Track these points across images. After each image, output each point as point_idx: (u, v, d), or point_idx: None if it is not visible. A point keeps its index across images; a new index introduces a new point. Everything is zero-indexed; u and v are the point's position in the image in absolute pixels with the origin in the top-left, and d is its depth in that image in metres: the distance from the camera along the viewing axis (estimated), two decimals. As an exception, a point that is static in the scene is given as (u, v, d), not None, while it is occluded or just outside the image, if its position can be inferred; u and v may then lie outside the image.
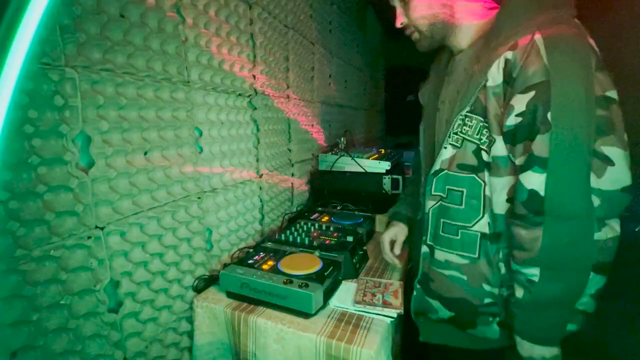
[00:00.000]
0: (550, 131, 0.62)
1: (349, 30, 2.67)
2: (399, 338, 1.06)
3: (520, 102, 0.65)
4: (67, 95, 0.68)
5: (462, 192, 0.77)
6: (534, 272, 0.67)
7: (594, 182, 0.63)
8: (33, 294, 0.65)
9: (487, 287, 0.77)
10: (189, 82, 0.99)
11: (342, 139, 2.01)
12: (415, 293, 0.90)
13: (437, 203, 0.82)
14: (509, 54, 0.66)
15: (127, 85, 0.81)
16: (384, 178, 1.67)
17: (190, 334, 1.04)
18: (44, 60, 0.63)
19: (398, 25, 0.85)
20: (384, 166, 1.70)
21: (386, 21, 3.84)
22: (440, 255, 0.82)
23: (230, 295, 1.00)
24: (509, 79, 0.67)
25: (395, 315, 0.92)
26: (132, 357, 0.87)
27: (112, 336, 0.80)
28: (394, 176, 1.66)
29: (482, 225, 0.76)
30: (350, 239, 1.21)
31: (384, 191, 1.68)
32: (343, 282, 1.08)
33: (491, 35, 0.73)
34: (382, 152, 1.98)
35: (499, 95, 0.69)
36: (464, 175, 0.77)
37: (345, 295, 1.01)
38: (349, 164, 1.78)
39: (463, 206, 0.77)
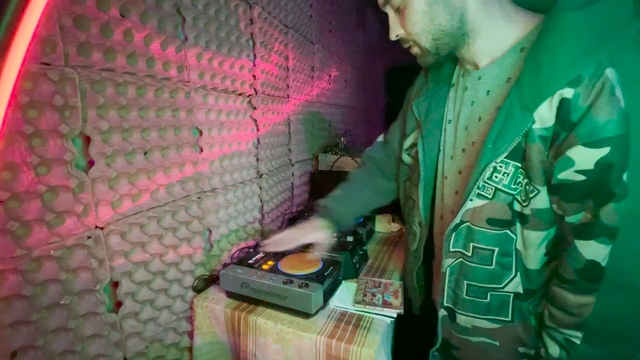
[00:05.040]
0: (627, 196, 0.52)
1: (349, 30, 2.67)
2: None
3: (585, 158, 0.52)
4: (67, 95, 0.68)
5: (493, 251, 0.65)
6: (576, 334, 0.59)
7: None
8: (33, 294, 0.64)
9: (522, 349, 0.68)
10: (189, 82, 0.99)
11: (342, 139, 2.01)
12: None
13: (456, 261, 0.70)
14: (567, 92, 0.51)
15: (127, 86, 0.81)
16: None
17: (190, 334, 1.04)
18: (44, 60, 0.63)
19: (392, 37, 0.70)
20: (384, 166, 1.70)
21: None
22: (464, 320, 0.71)
23: (230, 295, 1.00)
24: (565, 122, 0.53)
25: (395, 315, 0.92)
26: (132, 357, 0.86)
27: (112, 336, 0.80)
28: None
29: (515, 285, 0.65)
30: (350, 239, 1.21)
31: (384, 191, 1.67)
32: (343, 282, 1.08)
33: (538, 60, 0.54)
34: (382, 152, 1.98)
35: (547, 139, 0.55)
36: (496, 231, 0.64)
37: (345, 295, 1.01)
38: (349, 164, 1.78)
39: (493, 266, 0.66)
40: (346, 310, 0.95)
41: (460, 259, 0.69)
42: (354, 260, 1.13)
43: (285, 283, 0.91)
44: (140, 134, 0.85)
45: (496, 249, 0.65)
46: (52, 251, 0.67)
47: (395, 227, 1.54)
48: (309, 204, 1.87)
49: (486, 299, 0.67)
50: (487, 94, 0.65)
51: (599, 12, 0.50)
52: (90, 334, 0.75)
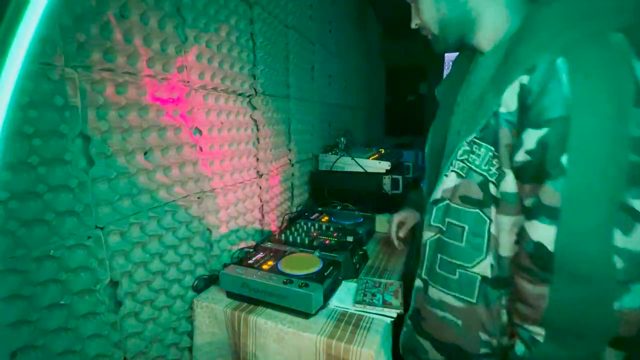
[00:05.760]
0: (565, 177, 0.52)
1: (349, 30, 2.67)
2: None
3: (530, 138, 0.56)
4: (67, 95, 0.68)
5: (464, 228, 0.68)
6: (538, 331, 0.58)
7: (620, 240, 0.51)
8: (33, 294, 0.65)
9: (484, 336, 0.69)
10: (189, 82, 0.99)
11: (342, 139, 2.01)
12: (405, 329, 0.85)
13: (435, 235, 0.75)
14: (524, 78, 0.56)
15: (127, 86, 0.81)
16: (384, 178, 1.67)
17: (190, 334, 1.05)
18: (44, 60, 0.63)
19: (413, 26, 0.77)
20: (384, 166, 1.70)
21: (386, 21, 3.84)
22: (434, 293, 0.75)
23: (230, 295, 1.00)
24: (523, 107, 0.57)
25: (395, 315, 0.92)
26: (132, 357, 0.87)
27: (112, 336, 0.80)
28: (394, 176, 1.66)
29: (484, 268, 0.67)
30: (350, 239, 1.21)
31: (384, 191, 1.68)
32: (343, 282, 1.08)
33: (510, 49, 0.61)
34: (382, 152, 1.98)
35: (513, 124, 0.59)
36: (468, 209, 0.68)
37: (345, 295, 1.01)
38: (349, 164, 1.78)
39: (463, 244, 0.69)
40: (346, 310, 0.95)
41: (439, 235, 0.74)
42: (354, 260, 1.13)
43: (285, 283, 0.91)
44: (140, 134, 0.86)
45: (466, 227, 0.68)
46: (52, 251, 0.67)
47: (395, 227, 1.54)
48: (308, 204, 1.87)
49: (455, 275, 0.70)
50: (482, 79, 0.70)
51: (565, 7, 0.56)
52: (90, 334, 0.75)
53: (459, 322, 0.71)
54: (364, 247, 1.30)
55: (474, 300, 0.69)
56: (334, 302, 0.98)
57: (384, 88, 4.49)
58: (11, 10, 0.36)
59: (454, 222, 0.70)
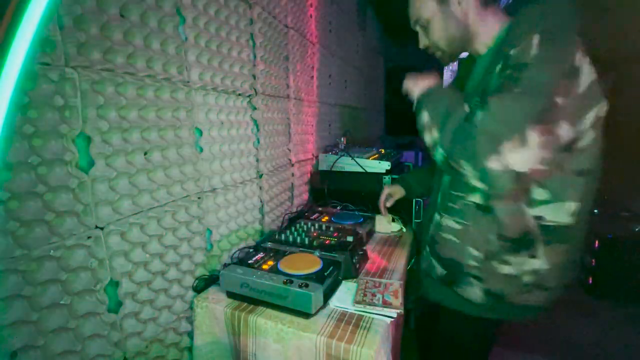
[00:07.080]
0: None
1: (349, 30, 2.67)
2: (400, 337, 1.06)
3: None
4: (67, 95, 0.68)
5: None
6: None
7: None
8: (33, 294, 0.65)
9: (473, 252, 0.87)
10: (189, 82, 0.99)
11: (342, 139, 2.01)
12: (424, 253, 1.04)
13: (448, 178, 0.95)
14: (512, 51, 0.77)
15: (127, 85, 0.81)
16: (384, 178, 1.67)
17: (190, 334, 1.05)
18: (44, 60, 0.63)
19: (421, 46, 1.00)
20: (384, 166, 1.70)
21: (386, 21, 3.84)
22: (444, 221, 0.94)
23: (230, 295, 1.00)
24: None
25: (395, 315, 0.92)
26: (132, 357, 0.87)
27: (112, 336, 0.80)
28: (394, 176, 1.66)
29: (476, 197, 0.87)
30: (350, 239, 1.21)
31: (384, 191, 1.67)
32: (343, 282, 1.08)
33: (504, 41, 0.84)
34: (382, 152, 1.98)
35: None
36: None
37: (345, 295, 1.01)
38: (349, 164, 1.78)
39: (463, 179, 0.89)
40: (346, 310, 0.95)
41: (450, 177, 0.94)
42: (354, 260, 1.13)
43: (285, 283, 0.91)
44: (140, 133, 0.86)
45: None
46: (52, 251, 0.67)
47: (395, 227, 1.54)
48: (308, 204, 1.87)
49: (456, 205, 0.90)
50: (482, 68, 0.90)
51: (538, 10, 0.77)
52: (90, 334, 0.75)
53: (457, 240, 0.90)
54: (364, 247, 1.30)
55: (469, 223, 0.88)
56: (334, 302, 0.98)
57: (383, 88, 4.49)
58: (11, 10, 0.36)
59: None
